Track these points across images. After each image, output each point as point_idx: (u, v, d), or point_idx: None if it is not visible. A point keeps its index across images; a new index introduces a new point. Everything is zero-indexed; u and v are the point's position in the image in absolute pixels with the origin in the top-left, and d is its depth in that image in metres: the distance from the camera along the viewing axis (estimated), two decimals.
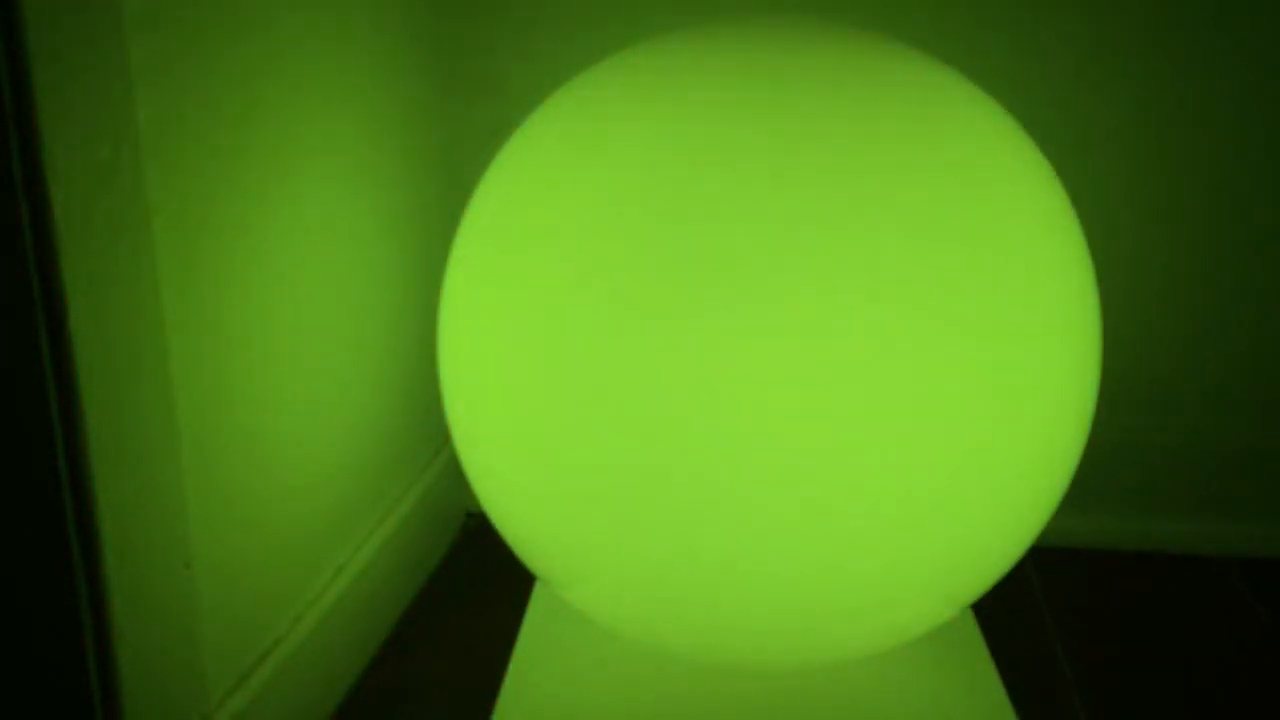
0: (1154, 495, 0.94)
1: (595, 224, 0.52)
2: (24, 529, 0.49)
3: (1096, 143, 0.89)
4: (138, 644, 0.52)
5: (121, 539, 0.50)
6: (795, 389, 0.49)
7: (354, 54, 0.74)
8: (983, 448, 0.52)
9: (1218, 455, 0.93)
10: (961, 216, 0.52)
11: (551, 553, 0.59)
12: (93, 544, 0.49)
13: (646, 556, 0.54)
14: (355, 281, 0.76)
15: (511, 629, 0.76)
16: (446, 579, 0.90)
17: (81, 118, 0.46)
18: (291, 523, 0.68)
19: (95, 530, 0.49)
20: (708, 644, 0.59)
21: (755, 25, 0.57)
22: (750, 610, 0.55)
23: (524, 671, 0.71)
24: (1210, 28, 0.86)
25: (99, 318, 0.48)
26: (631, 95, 0.56)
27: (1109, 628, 0.83)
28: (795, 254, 0.49)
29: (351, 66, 0.74)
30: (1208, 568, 0.92)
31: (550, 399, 0.53)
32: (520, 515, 0.59)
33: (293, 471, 0.68)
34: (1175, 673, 0.78)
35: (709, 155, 0.51)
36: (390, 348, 0.83)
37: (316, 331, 0.70)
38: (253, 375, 0.63)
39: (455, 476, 0.95)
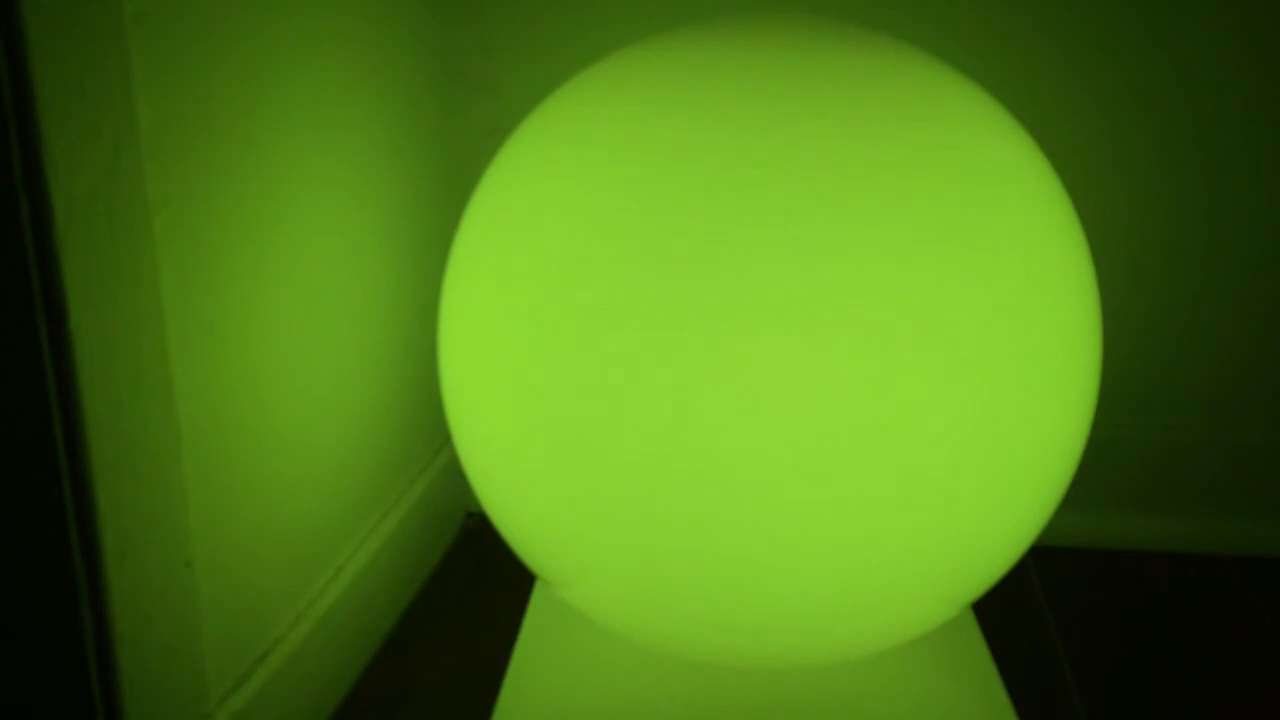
0: (1154, 495, 0.94)
1: (595, 223, 0.52)
2: (24, 529, 0.49)
3: (1096, 143, 0.89)
4: (138, 643, 0.52)
5: (121, 538, 0.50)
6: (795, 389, 0.49)
7: (354, 54, 0.74)
8: (983, 447, 0.52)
9: (1218, 454, 0.93)
10: (961, 216, 0.52)
11: (551, 553, 0.59)
12: (93, 544, 0.49)
13: (646, 556, 0.54)
14: (355, 281, 0.76)
15: (511, 629, 0.76)
16: (446, 579, 0.90)
17: (81, 118, 0.46)
18: (292, 522, 0.68)
19: (95, 530, 0.49)
20: (708, 643, 0.59)
21: (755, 24, 0.57)
22: (750, 610, 0.55)
23: (524, 671, 0.71)
24: (1210, 28, 0.86)
25: (99, 317, 0.48)
26: (631, 95, 0.55)
27: (1109, 628, 0.83)
28: (795, 254, 0.50)
29: (351, 66, 0.74)
30: (1208, 567, 0.92)
31: (550, 399, 0.53)
32: (520, 515, 0.59)
33: (293, 471, 0.68)
34: (1175, 672, 0.78)
35: (709, 154, 0.51)
36: (390, 348, 0.83)
37: (316, 331, 0.70)
38: (253, 375, 0.63)
39: (455, 476, 0.95)
